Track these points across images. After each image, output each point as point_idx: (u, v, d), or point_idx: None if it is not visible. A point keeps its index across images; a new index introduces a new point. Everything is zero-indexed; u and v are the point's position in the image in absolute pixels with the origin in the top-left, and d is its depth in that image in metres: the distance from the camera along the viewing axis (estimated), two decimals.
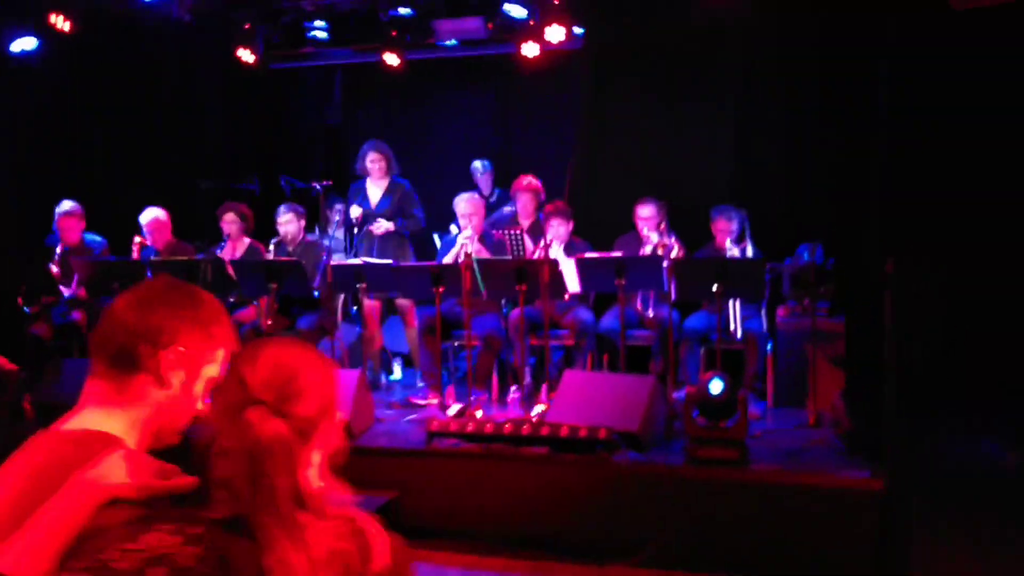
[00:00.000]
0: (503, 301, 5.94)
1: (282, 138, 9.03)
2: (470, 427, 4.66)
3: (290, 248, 6.28)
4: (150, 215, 6.46)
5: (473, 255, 5.55)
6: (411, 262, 6.28)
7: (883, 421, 4.15)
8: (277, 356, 1.37)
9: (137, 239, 6.42)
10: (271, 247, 6.24)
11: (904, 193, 5.31)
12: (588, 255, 5.57)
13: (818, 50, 5.98)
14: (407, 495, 4.48)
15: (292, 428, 1.32)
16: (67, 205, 6.51)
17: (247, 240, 6.40)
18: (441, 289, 5.32)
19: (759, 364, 5.52)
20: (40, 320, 6.31)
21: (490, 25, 7.55)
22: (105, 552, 1.25)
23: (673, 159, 6.41)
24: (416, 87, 8.50)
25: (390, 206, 6.40)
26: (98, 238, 6.67)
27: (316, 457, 1.37)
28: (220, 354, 1.51)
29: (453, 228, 6.34)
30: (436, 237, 7.41)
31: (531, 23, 7.28)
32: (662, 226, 5.76)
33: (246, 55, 7.85)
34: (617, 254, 5.67)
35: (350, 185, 6.67)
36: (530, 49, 7.29)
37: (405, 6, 7.59)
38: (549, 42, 7.14)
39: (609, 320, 5.70)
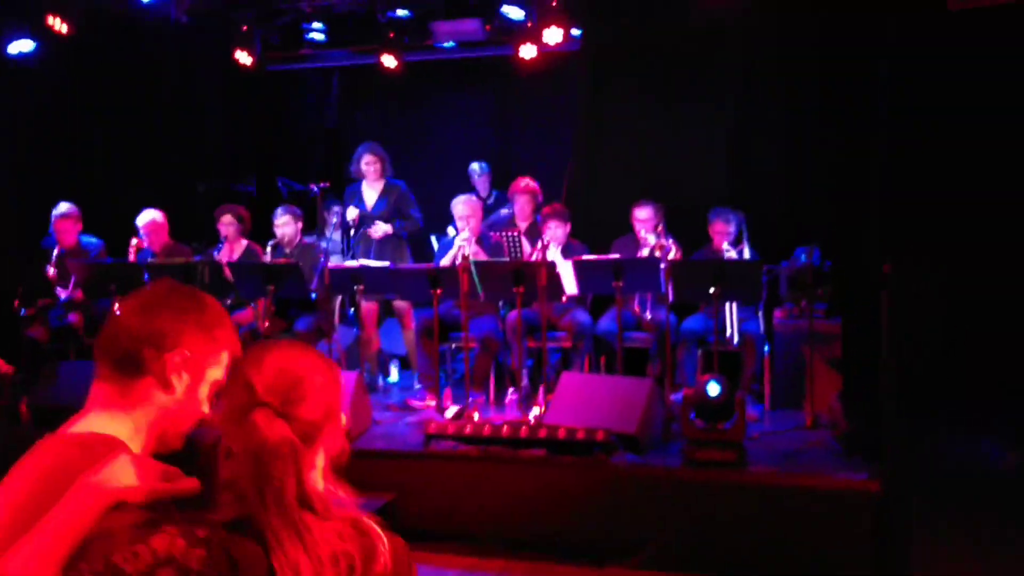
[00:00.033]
0: (500, 303, 5.94)
1: (280, 140, 9.03)
2: (468, 429, 4.66)
3: (287, 250, 6.27)
4: (147, 217, 6.45)
5: (471, 257, 5.55)
6: (408, 264, 6.27)
7: (880, 422, 4.15)
8: (282, 359, 1.39)
9: (134, 241, 6.41)
10: (268, 249, 6.23)
11: (901, 195, 5.31)
12: (586, 257, 5.57)
13: (816, 51, 5.98)
14: (405, 497, 4.48)
15: (297, 430, 1.34)
16: (63, 207, 6.50)
17: (244, 242, 6.39)
18: (439, 291, 5.31)
19: (756, 366, 5.52)
20: (36, 323, 6.30)
21: (488, 27, 7.55)
22: (113, 555, 1.25)
23: (671, 161, 6.42)
24: (414, 89, 8.51)
25: (386, 208, 6.40)
26: (95, 240, 6.66)
27: (320, 459, 1.38)
28: (223, 357, 1.52)
29: (451, 230, 6.34)
30: (433, 239, 7.41)
31: (529, 25, 7.28)
32: (659, 228, 5.76)
33: (244, 57, 7.85)
34: (614, 256, 5.67)
35: (346, 188, 6.67)
36: (528, 51, 7.29)
37: (403, 8, 7.59)
38: (547, 44, 7.14)
39: (606, 322, 5.69)
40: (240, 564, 1.27)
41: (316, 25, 7.96)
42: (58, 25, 6.96)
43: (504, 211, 6.94)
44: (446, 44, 7.98)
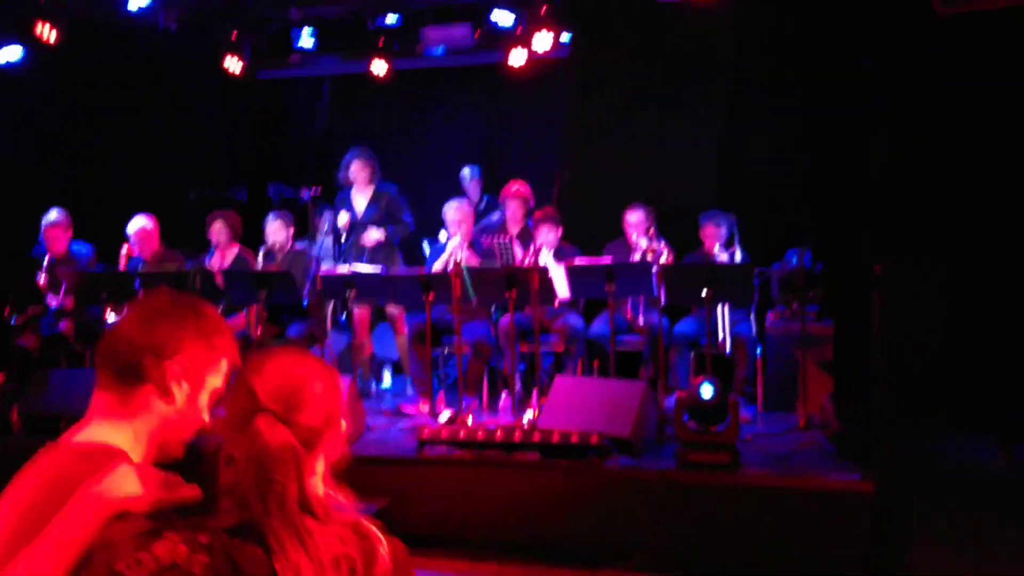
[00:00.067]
0: (493, 308, 5.94)
1: (270, 146, 9.02)
2: (461, 434, 4.65)
3: (279, 256, 6.26)
4: (137, 224, 6.42)
5: (462, 262, 5.55)
6: (400, 269, 6.26)
7: (872, 423, 4.16)
8: (284, 365, 1.41)
9: (124, 248, 6.38)
10: (260, 256, 6.22)
11: (892, 196, 5.34)
12: (578, 261, 5.58)
13: (805, 54, 6.01)
14: (399, 503, 4.46)
15: (298, 436, 1.36)
16: (53, 215, 6.47)
17: (236, 249, 6.38)
18: (431, 296, 5.31)
19: (749, 368, 5.54)
20: (27, 331, 6.27)
21: (477, 33, 7.56)
22: (116, 563, 1.27)
23: (661, 164, 6.44)
24: (404, 95, 8.52)
25: (377, 213, 6.39)
26: (85, 248, 6.63)
27: (321, 464, 1.40)
28: (223, 365, 1.55)
29: (442, 235, 6.34)
30: (425, 244, 7.40)
31: (518, 31, 7.30)
32: (651, 231, 5.77)
33: (233, 64, 7.84)
34: (607, 260, 5.68)
35: (337, 194, 6.66)
36: (517, 57, 7.30)
37: (392, 14, 7.60)
38: (536, 50, 7.16)
39: (599, 326, 5.70)
40: (243, 569, 1.28)
41: (306, 32, 7.96)
42: (47, 33, 6.93)
43: (495, 216, 6.95)
44: (436, 50, 7.99)
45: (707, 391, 4.29)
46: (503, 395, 5.70)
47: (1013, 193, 5.47)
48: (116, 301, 5.80)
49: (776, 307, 5.69)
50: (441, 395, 5.74)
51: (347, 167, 6.45)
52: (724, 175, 6.39)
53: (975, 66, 5.48)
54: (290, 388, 1.38)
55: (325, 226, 7.23)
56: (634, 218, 5.84)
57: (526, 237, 6.02)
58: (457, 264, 5.53)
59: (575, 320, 5.71)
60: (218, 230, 6.28)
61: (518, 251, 5.93)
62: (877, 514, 3.96)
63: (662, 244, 5.74)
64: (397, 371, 6.83)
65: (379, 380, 6.67)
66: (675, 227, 5.96)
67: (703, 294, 5.02)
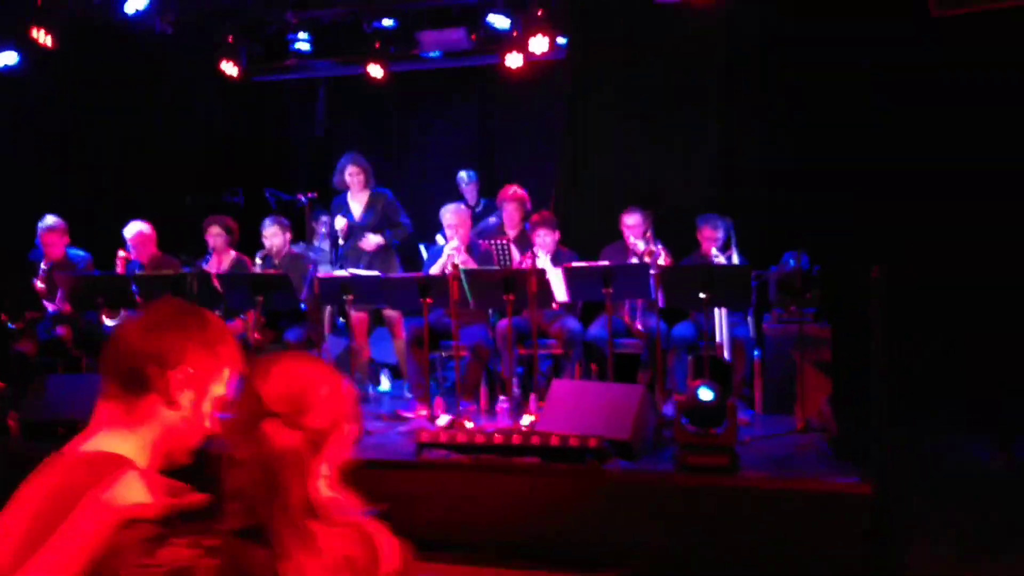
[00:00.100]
0: (491, 311, 5.93)
1: (266, 150, 9.01)
2: (460, 438, 4.65)
3: (276, 261, 6.26)
4: (134, 229, 6.42)
5: (460, 265, 5.55)
6: (398, 273, 6.26)
7: (871, 425, 4.16)
8: (290, 370, 1.43)
9: (121, 253, 6.37)
10: (257, 260, 6.21)
11: (890, 198, 5.35)
12: (575, 264, 5.57)
13: (801, 57, 6.02)
14: (397, 507, 4.43)
15: (305, 440, 1.38)
16: (50, 220, 6.46)
17: (233, 253, 6.37)
18: (429, 300, 5.30)
19: (747, 371, 5.54)
20: (24, 336, 6.25)
21: (473, 36, 7.57)
22: (124, 570, 1.28)
23: (658, 168, 6.44)
24: (400, 98, 8.52)
25: (374, 218, 6.39)
26: (81, 253, 6.62)
27: (327, 467, 1.43)
28: (226, 373, 1.57)
29: (439, 238, 6.34)
30: (422, 248, 7.40)
31: (514, 34, 7.30)
32: (648, 234, 5.77)
33: (229, 68, 7.84)
34: (604, 263, 5.68)
35: (333, 199, 6.65)
36: (514, 60, 7.31)
37: (388, 18, 7.60)
38: (532, 53, 7.16)
39: (596, 329, 5.70)
40: (250, 571, 1.30)
41: (301, 35, 7.96)
42: (42, 38, 6.93)
43: (492, 219, 6.94)
44: (432, 53, 8.00)
45: (705, 394, 4.29)
46: (501, 399, 5.69)
47: (1012, 193, 5.48)
48: (113, 306, 5.79)
49: (774, 309, 5.69)
50: (439, 399, 5.73)
51: (342, 171, 6.44)
52: (721, 177, 6.39)
53: (973, 66, 5.49)
54: (296, 392, 1.40)
55: (322, 230, 7.23)
56: (631, 221, 5.84)
57: (524, 240, 6.02)
58: (455, 267, 5.53)
59: (573, 323, 5.71)
60: (215, 235, 6.27)
61: (515, 254, 5.92)
62: (876, 516, 3.96)
63: (659, 247, 5.74)
64: (395, 375, 6.82)
65: (377, 384, 6.67)
66: (672, 230, 5.97)
67: (700, 297, 5.02)
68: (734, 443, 4.31)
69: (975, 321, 5.43)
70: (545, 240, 5.81)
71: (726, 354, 5.52)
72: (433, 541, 4.38)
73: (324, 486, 1.42)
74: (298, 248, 6.85)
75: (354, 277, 5.75)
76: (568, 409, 4.75)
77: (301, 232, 7.23)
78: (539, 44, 7.03)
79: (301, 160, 9.20)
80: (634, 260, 5.69)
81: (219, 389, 1.56)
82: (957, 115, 5.52)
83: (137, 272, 6.27)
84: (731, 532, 4.12)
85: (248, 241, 6.53)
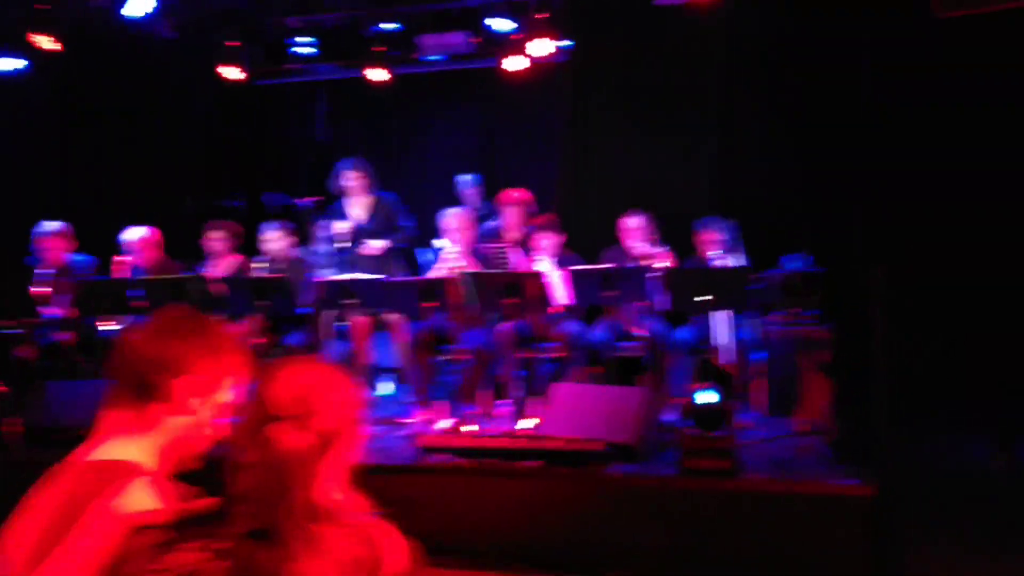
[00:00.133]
0: (492, 315, 5.93)
1: (267, 155, 9.02)
2: (461, 442, 4.65)
3: (277, 265, 6.26)
4: (137, 233, 6.42)
5: (462, 269, 5.55)
6: (399, 277, 6.26)
7: (871, 427, 4.16)
8: (297, 373, 1.45)
9: (116, 258, 6.36)
10: (259, 264, 6.21)
11: (890, 198, 5.35)
12: (577, 267, 5.57)
13: (800, 59, 6.03)
14: (399, 511, 4.44)
15: (313, 442, 1.40)
16: (54, 225, 6.45)
17: (234, 258, 6.37)
18: (430, 304, 5.30)
19: (748, 373, 5.53)
20: (24, 342, 6.25)
21: (475, 40, 7.57)
22: (136, 575, 1.29)
23: (659, 171, 6.44)
24: (402, 102, 8.52)
25: (377, 222, 6.38)
26: (84, 258, 6.62)
27: (334, 469, 1.45)
28: (232, 380, 1.59)
29: (438, 243, 6.34)
30: (423, 252, 7.39)
31: (516, 37, 7.30)
32: (650, 237, 5.77)
33: (231, 72, 7.84)
34: (608, 266, 5.67)
35: (333, 204, 6.65)
36: (516, 63, 7.31)
37: (389, 21, 7.61)
38: (533, 56, 7.16)
39: (598, 332, 5.70)
40: (259, 574, 1.31)
41: (303, 39, 7.97)
42: (46, 43, 6.93)
43: (491, 223, 6.94)
44: (433, 57, 8.00)
45: (707, 397, 4.29)
46: (503, 402, 5.69)
47: (1012, 194, 5.47)
48: (117, 311, 5.79)
49: (776, 311, 5.68)
50: (441, 403, 5.73)
51: (342, 175, 6.44)
52: (722, 179, 6.39)
53: (974, 66, 5.49)
54: (304, 395, 1.42)
55: (323, 234, 7.22)
56: (632, 224, 5.84)
57: (525, 244, 6.01)
58: (457, 271, 5.53)
59: (574, 327, 5.71)
60: (217, 239, 6.28)
61: (512, 258, 5.92)
62: (878, 518, 3.95)
63: (661, 250, 5.74)
64: (397, 379, 6.81)
65: (378, 388, 6.66)
66: (672, 234, 5.96)
67: (702, 299, 5.02)
68: (736, 446, 4.31)
69: (975, 321, 5.43)
70: (548, 243, 5.81)
71: (727, 357, 5.51)
72: (435, 545, 4.37)
73: (333, 488, 1.44)
74: (299, 252, 6.85)
75: (355, 281, 5.75)
76: (570, 412, 4.75)
77: (302, 237, 7.23)
78: (540, 47, 7.03)
79: (302, 164, 9.20)
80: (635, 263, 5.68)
81: (226, 395, 1.59)
82: (957, 115, 5.52)
83: (141, 277, 6.27)
84: (733, 535, 4.11)
85: (249, 245, 6.54)
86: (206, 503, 1.41)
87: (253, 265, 6.29)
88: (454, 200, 7.14)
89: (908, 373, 4.57)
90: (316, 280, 5.99)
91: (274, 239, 6.29)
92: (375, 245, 6.30)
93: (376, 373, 6.72)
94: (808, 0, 5.95)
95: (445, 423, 5.32)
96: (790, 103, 6.22)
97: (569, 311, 5.78)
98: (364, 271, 6.20)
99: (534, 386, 5.49)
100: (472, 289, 5.26)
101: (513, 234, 6.24)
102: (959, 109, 5.51)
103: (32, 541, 1.39)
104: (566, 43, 7.11)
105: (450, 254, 5.84)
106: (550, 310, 5.52)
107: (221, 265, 6.29)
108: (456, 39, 7.58)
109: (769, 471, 4.36)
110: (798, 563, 4.01)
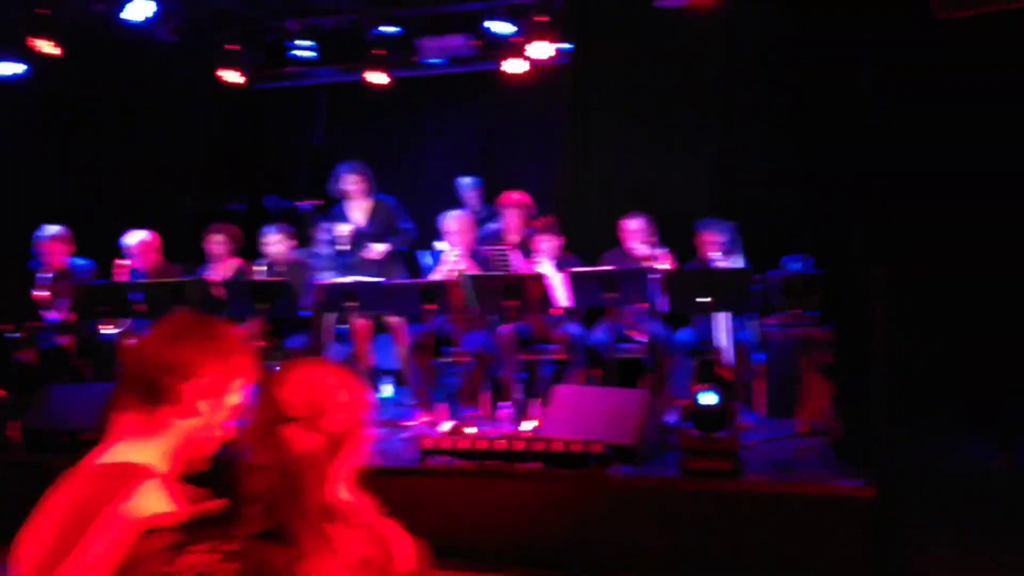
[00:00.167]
0: (493, 317, 5.93)
1: (267, 158, 9.02)
2: (463, 444, 4.65)
3: (278, 268, 6.26)
4: (137, 237, 6.42)
5: (463, 271, 5.55)
6: (400, 279, 6.26)
7: (873, 428, 4.16)
8: (308, 376, 1.48)
9: (118, 262, 6.37)
10: (259, 268, 6.22)
11: (890, 199, 5.35)
12: (578, 269, 5.57)
13: (801, 61, 6.03)
14: (401, 514, 4.44)
15: (323, 443, 1.42)
16: (53, 229, 6.46)
17: (235, 261, 6.38)
18: (431, 306, 5.30)
19: (750, 375, 5.53)
20: (26, 346, 6.26)
21: (474, 42, 7.57)
22: None
23: (659, 173, 6.44)
24: (402, 105, 8.52)
25: (377, 225, 6.39)
26: (84, 261, 6.63)
27: (344, 470, 1.47)
28: (241, 382, 1.62)
29: (439, 245, 6.34)
30: (424, 255, 7.40)
31: (516, 40, 7.31)
32: (651, 239, 5.77)
33: (231, 75, 7.85)
34: (609, 268, 5.68)
35: (333, 208, 6.65)
36: (516, 65, 7.31)
37: (389, 24, 7.61)
38: (534, 58, 7.17)
39: (599, 334, 5.70)
40: (271, 573, 1.33)
41: (302, 43, 7.97)
42: (46, 47, 6.94)
43: (492, 225, 6.95)
44: (433, 60, 8.00)
45: (708, 398, 4.29)
46: (504, 404, 5.69)
47: (1012, 194, 5.48)
48: (116, 314, 5.79)
49: (777, 313, 5.68)
50: (442, 405, 5.73)
51: (341, 179, 6.44)
52: (722, 180, 6.39)
53: (974, 67, 5.49)
54: (315, 397, 1.45)
55: (324, 237, 7.22)
56: (633, 226, 5.84)
57: (526, 246, 6.02)
58: (458, 273, 5.53)
59: (575, 328, 5.71)
60: (217, 243, 6.29)
61: (514, 260, 5.92)
62: (880, 519, 3.95)
63: (662, 252, 5.74)
64: (398, 382, 6.81)
65: (379, 391, 6.66)
66: (673, 235, 5.97)
67: (703, 301, 5.02)
68: (737, 447, 4.31)
69: (975, 321, 5.43)
70: (548, 246, 5.81)
71: (728, 358, 5.52)
72: (436, 547, 4.37)
73: (343, 488, 1.46)
74: (300, 255, 6.85)
75: (356, 284, 5.76)
76: (571, 414, 4.75)
77: (302, 240, 7.23)
78: (540, 50, 7.04)
79: (302, 167, 9.20)
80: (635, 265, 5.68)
81: (235, 398, 1.61)
82: (957, 115, 5.52)
83: (141, 280, 6.27)
84: (735, 536, 4.12)
85: (250, 249, 6.54)
86: (216, 504, 1.43)
87: (254, 268, 6.29)
88: (454, 203, 7.14)
89: (908, 373, 4.57)
90: (317, 283, 5.99)
91: (275, 242, 6.29)
92: (378, 249, 6.30)
93: (377, 375, 6.72)
94: (808, 0, 5.95)
95: (446, 425, 5.32)
96: (790, 103, 6.21)
97: (569, 313, 5.78)
98: (365, 274, 6.20)
99: (535, 388, 5.49)
100: (472, 291, 5.26)
101: (513, 236, 6.24)
102: (959, 109, 5.51)
103: (45, 544, 1.41)
104: (566, 45, 7.12)
105: (451, 256, 5.84)
106: (551, 312, 5.53)
107: (221, 268, 6.30)
108: (456, 42, 7.59)
109: (771, 472, 4.36)
110: (800, 564, 4.01)
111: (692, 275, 5.54)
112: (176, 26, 7.35)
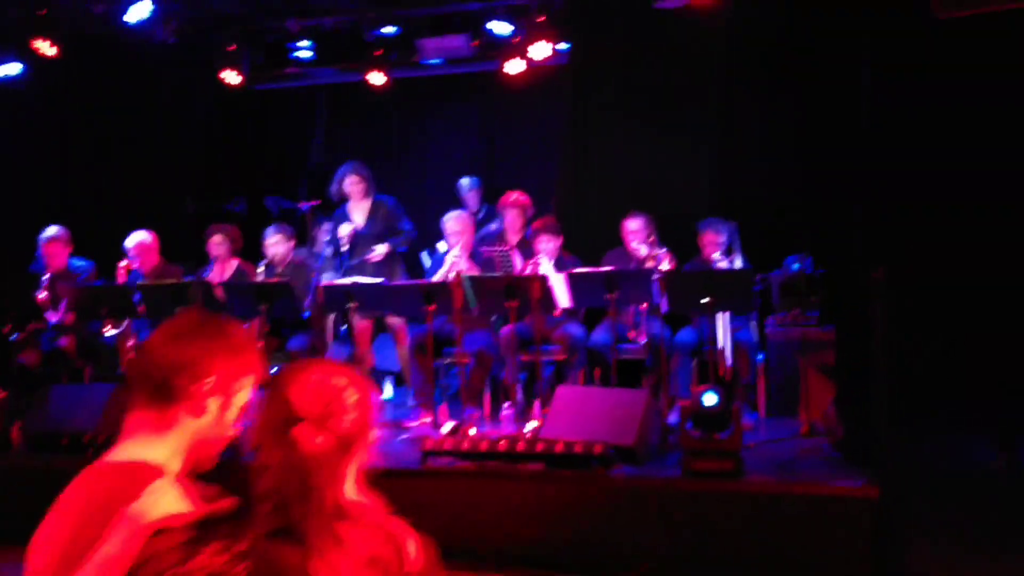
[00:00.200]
0: (494, 318, 5.93)
1: (268, 159, 9.03)
2: (464, 445, 4.65)
3: (279, 269, 6.26)
4: (136, 238, 6.42)
5: (464, 272, 5.55)
6: (401, 280, 6.26)
7: (874, 428, 4.17)
8: (319, 376, 1.49)
9: (123, 263, 6.38)
10: (260, 269, 6.22)
11: (890, 199, 5.35)
12: (578, 270, 5.57)
13: (801, 61, 6.03)
14: (402, 515, 4.44)
15: (334, 443, 1.44)
16: (52, 230, 6.46)
17: (235, 262, 6.38)
18: (432, 307, 5.31)
19: (751, 375, 5.53)
20: (27, 347, 6.26)
21: (474, 43, 7.57)
22: None
23: (660, 172, 6.44)
24: (401, 105, 8.53)
25: (377, 226, 6.38)
26: (84, 263, 6.63)
27: (354, 470, 1.49)
28: (250, 380, 1.63)
29: (440, 245, 6.34)
30: (424, 255, 7.40)
31: (516, 40, 7.31)
32: (651, 239, 5.77)
33: (231, 76, 7.85)
34: (608, 268, 5.68)
35: (335, 210, 6.65)
36: (515, 66, 7.31)
37: (389, 25, 7.61)
38: (533, 58, 7.17)
39: (600, 335, 5.70)
40: (282, 572, 1.34)
41: (302, 44, 7.97)
42: (45, 48, 6.93)
43: (493, 226, 6.95)
44: (433, 60, 8.00)
45: (709, 399, 4.29)
46: (505, 405, 5.69)
47: (1012, 194, 5.48)
48: (116, 316, 5.79)
49: (777, 313, 5.69)
50: (443, 406, 5.73)
51: (341, 180, 6.43)
52: (723, 181, 6.39)
53: (974, 67, 5.49)
54: (325, 397, 1.46)
55: (324, 238, 7.23)
56: (633, 226, 5.84)
57: (525, 247, 6.02)
58: (458, 274, 5.53)
59: (575, 329, 5.71)
60: (218, 243, 6.28)
61: (517, 261, 5.93)
62: (881, 519, 3.95)
63: (662, 252, 5.74)
64: (399, 382, 6.82)
65: (380, 392, 6.66)
66: (674, 235, 5.97)
67: (704, 301, 5.02)
68: (739, 447, 4.31)
69: (975, 321, 5.43)
70: (548, 246, 5.81)
71: (729, 359, 5.52)
72: (438, 548, 4.38)
73: (352, 487, 1.48)
74: (301, 255, 6.85)
75: (357, 284, 5.75)
76: (572, 415, 4.75)
77: (303, 240, 7.24)
78: (540, 50, 7.04)
79: (302, 168, 9.20)
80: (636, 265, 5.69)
81: (244, 397, 1.63)
82: (957, 116, 5.53)
83: (140, 282, 6.27)
84: (737, 536, 4.12)
85: (250, 249, 6.54)
86: (227, 503, 1.44)
87: (254, 269, 6.29)
88: (454, 203, 7.14)
89: (908, 373, 4.58)
90: (318, 284, 5.99)
91: (276, 243, 6.29)
92: (380, 250, 6.29)
93: (378, 376, 6.73)
94: (808, 1, 5.95)
95: (447, 426, 5.32)
96: (790, 103, 6.21)
97: (570, 313, 5.78)
98: (365, 275, 6.20)
99: (536, 389, 5.49)
100: (473, 292, 5.26)
101: (513, 237, 6.24)
102: (959, 110, 5.52)
103: (59, 544, 1.42)
104: (566, 46, 7.12)
105: (452, 257, 5.84)
106: (554, 313, 5.53)
107: (222, 269, 6.30)
108: (456, 42, 7.59)
109: (773, 473, 4.36)
110: (802, 564, 4.01)
111: (692, 275, 5.55)
112: (176, 27, 7.34)
